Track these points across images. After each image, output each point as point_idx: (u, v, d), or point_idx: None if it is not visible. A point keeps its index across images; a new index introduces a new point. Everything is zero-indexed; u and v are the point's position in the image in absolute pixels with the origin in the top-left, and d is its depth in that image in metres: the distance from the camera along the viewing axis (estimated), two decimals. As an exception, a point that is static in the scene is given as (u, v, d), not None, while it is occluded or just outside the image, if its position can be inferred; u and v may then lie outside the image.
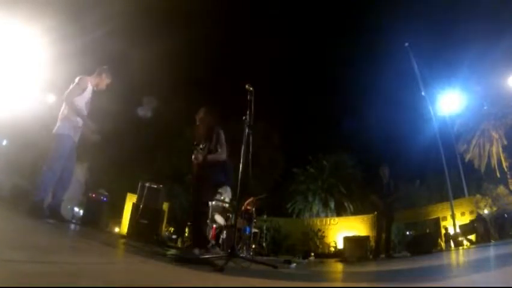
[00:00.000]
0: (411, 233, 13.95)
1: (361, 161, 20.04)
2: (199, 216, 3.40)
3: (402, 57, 12.73)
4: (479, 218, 8.90)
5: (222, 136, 3.45)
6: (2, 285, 0.84)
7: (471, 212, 10.14)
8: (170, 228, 15.22)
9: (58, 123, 3.58)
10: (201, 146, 3.45)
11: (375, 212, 6.24)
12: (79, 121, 3.64)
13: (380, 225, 5.89)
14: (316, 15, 31.74)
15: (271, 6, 27.13)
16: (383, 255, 5.81)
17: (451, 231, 9.14)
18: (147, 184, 6.95)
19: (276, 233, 13.10)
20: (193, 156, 3.50)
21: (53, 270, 1.17)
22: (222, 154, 3.37)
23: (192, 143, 3.50)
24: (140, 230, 6.18)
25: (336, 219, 14.98)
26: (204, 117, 3.58)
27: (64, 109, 3.60)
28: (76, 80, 3.66)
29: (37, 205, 3.27)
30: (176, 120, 16.97)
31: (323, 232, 13.58)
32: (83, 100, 3.69)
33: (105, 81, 3.90)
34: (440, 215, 11.25)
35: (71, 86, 3.63)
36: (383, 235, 5.79)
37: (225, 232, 5.93)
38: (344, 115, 31.89)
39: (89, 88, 3.79)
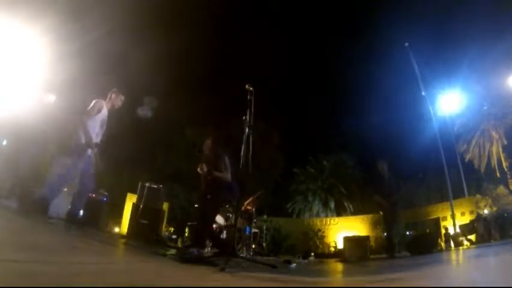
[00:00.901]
0: (411, 233, 13.94)
1: (361, 161, 20.05)
2: (203, 224, 3.55)
3: (402, 57, 12.73)
4: (479, 218, 8.90)
5: (227, 161, 3.74)
6: (3, 285, 0.84)
7: (471, 212, 10.14)
8: (170, 228, 15.21)
9: (74, 139, 3.86)
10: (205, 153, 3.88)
11: (381, 213, 6.04)
12: (90, 141, 3.87)
13: (389, 223, 5.66)
14: (316, 15, 31.75)
15: (271, 6, 27.14)
16: (383, 255, 5.79)
17: (451, 231, 9.14)
18: (147, 184, 6.95)
19: (276, 233, 13.08)
20: (198, 168, 3.75)
21: (53, 270, 1.17)
22: (227, 175, 3.67)
23: (197, 150, 3.81)
24: (140, 230, 6.18)
25: (336, 219, 14.97)
26: (212, 146, 3.94)
27: (78, 128, 3.88)
28: (92, 103, 4.00)
29: (40, 202, 3.43)
30: (176, 120, 16.98)
31: (323, 232, 13.57)
32: (98, 120, 4.00)
33: (118, 100, 4.27)
34: (440, 215, 11.25)
35: (87, 108, 3.96)
36: (386, 234, 5.65)
37: (225, 232, 5.93)
38: (344, 115, 31.89)
39: (105, 110, 4.11)
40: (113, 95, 4.22)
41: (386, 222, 5.73)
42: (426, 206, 13.35)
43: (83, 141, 3.81)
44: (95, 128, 3.96)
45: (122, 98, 4.31)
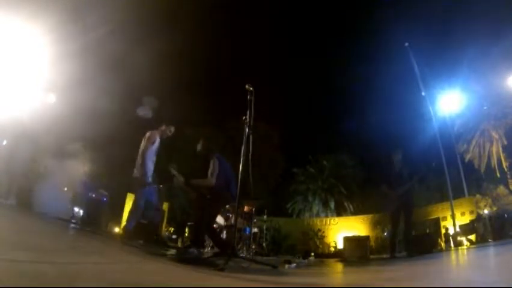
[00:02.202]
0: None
1: (361, 161, 20.02)
2: (201, 224, 3.59)
3: (402, 57, 12.70)
4: (479, 218, 8.90)
5: (216, 164, 3.68)
6: (4, 285, 0.85)
7: (471, 212, 10.14)
8: (170, 228, 15.19)
9: (136, 171, 4.40)
10: (174, 167, 4.00)
11: (383, 211, 5.63)
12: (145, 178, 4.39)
13: (395, 220, 5.23)
14: (316, 15, 31.76)
15: (271, 5, 27.12)
16: (386, 255, 5.74)
17: (451, 231, 9.13)
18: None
19: (276, 233, 13.08)
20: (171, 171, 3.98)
21: (54, 270, 1.17)
22: (210, 180, 3.60)
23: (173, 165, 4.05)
24: (140, 230, 6.17)
25: (336, 219, 14.97)
26: (202, 148, 4.00)
27: (139, 159, 4.42)
28: (147, 135, 4.52)
29: (128, 231, 4.31)
30: (176, 120, 16.95)
31: (323, 232, 13.57)
32: (154, 150, 4.56)
33: (168, 130, 4.75)
34: (440, 215, 11.25)
35: (143, 142, 4.51)
36: (386, 234, 5.33)
37: (225, 232, 5.94)
38: (344, 115, 31.79)
39: (158, 140, 4.66)
40: (165, 127, 4.69)
41: (392, 218, 5.29)
42: (426, 206, 13.33)
43: (145, 177, 4.32)
44: (152, 157, 4.51)
45: (172, 129, 4.79)
